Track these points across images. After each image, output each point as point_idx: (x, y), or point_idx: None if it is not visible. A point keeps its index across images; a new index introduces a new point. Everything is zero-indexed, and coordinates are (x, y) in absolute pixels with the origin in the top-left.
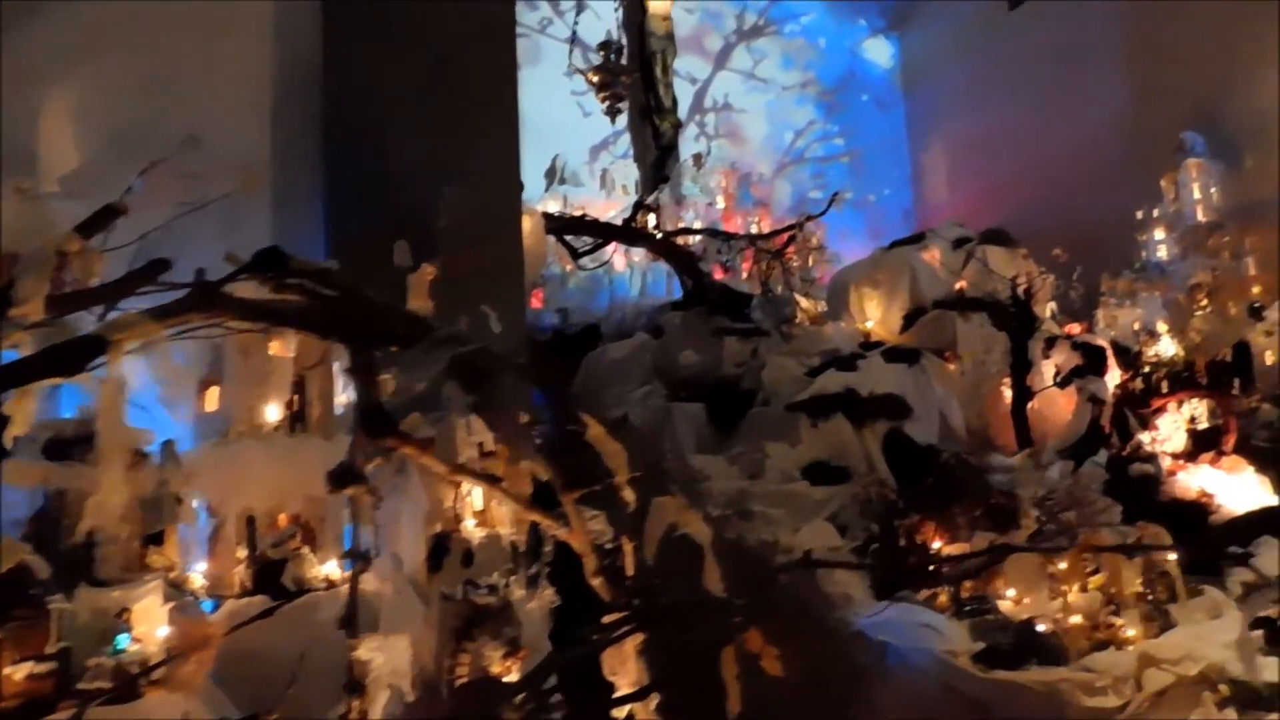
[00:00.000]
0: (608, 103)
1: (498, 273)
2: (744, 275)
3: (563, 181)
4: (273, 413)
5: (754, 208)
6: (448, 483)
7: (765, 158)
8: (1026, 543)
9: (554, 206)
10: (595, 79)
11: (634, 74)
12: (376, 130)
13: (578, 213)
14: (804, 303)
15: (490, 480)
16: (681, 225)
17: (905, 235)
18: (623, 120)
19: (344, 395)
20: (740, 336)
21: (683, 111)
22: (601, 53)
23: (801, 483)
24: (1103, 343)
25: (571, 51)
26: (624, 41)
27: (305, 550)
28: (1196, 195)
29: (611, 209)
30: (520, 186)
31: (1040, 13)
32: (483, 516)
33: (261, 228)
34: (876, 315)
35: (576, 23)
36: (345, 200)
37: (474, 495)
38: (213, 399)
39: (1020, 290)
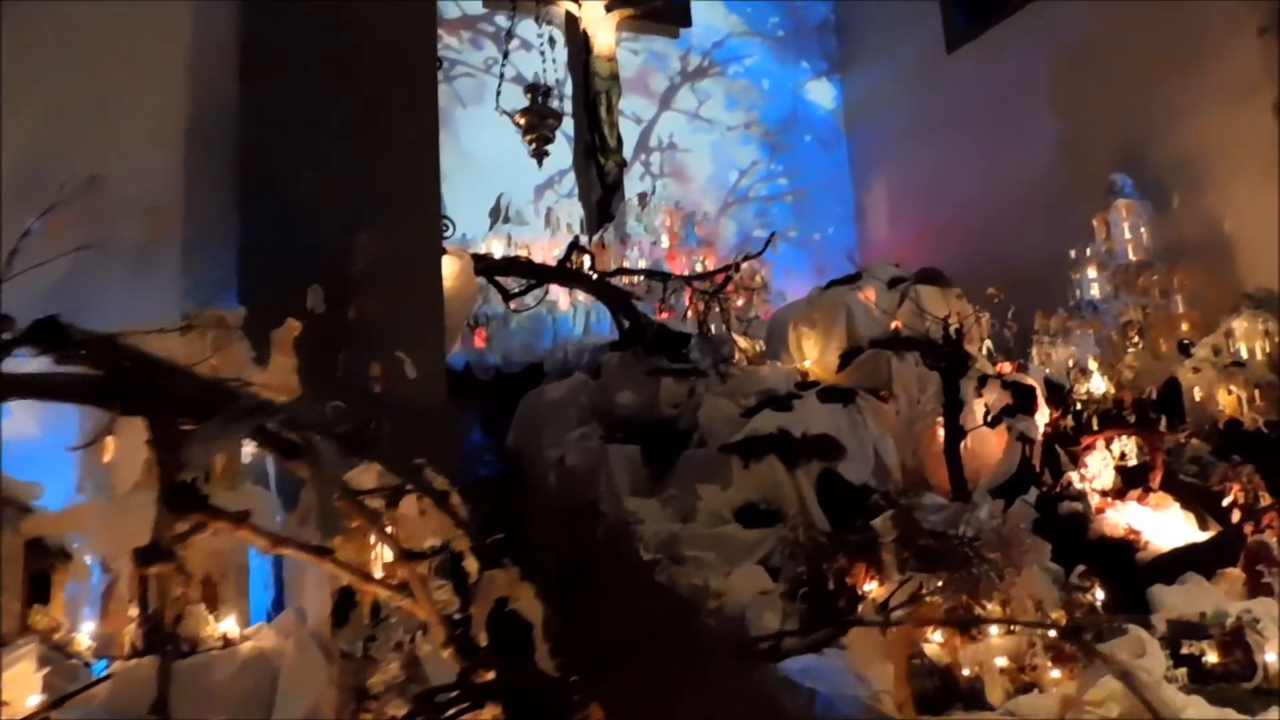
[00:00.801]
0: (534, 144)
1: (416, 318)
2: (688, 314)
3: (507, 220)
4: None
5: (698, 246)
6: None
7: (710, 196)
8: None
9: (498, 245)
10: (522, 121)
11: (561, 117)
12: (292, 173)
13: (522, 251)
14: (742, 342)
15: (318, 552)
16: (626, 263)
17: (849, 274)
18: (568, 159)
19: (250, 448)
20: (677, 377)
21: (628, 151)
22: (528, 95)
23: (733, 525)
24: (1032, 381)
25: (499, 93)
26: (550, 83)
27: (201, 607)
28: (1127, 235)
29: (556, 247)
30: (439, 231)
31: (976, 57)
32: (392, 569)
33: (172, 271)
34: (814, 354)
35: (504, 64)
36: (259, 243)
37: (381, 553)
38: (108, 449)
39: (952, 329)
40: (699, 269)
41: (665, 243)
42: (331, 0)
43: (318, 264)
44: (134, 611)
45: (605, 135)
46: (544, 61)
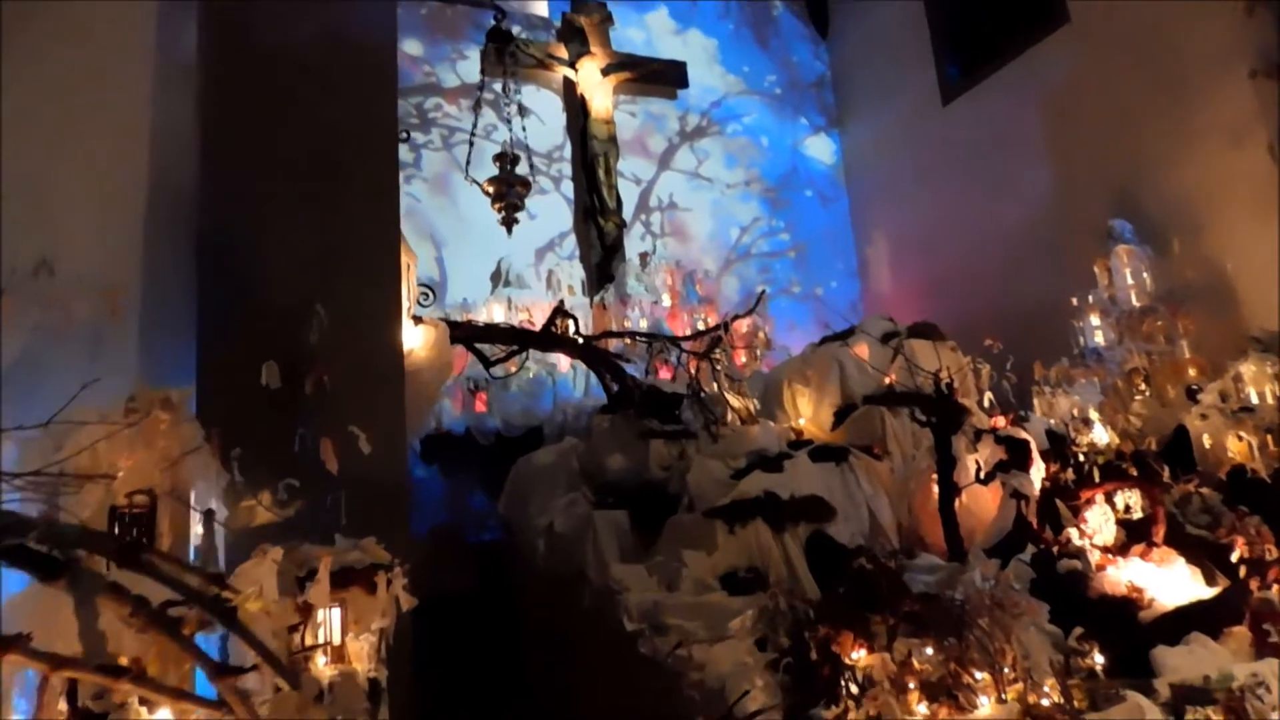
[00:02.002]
0: (503, 212)
1: (373, 392)
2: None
3: (508, 284)
4: None
5: (700, 305)
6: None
7: (711, 254)
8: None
9: (499, 309)
10: (490, 189)
11: (530, 184)
12: (250, 250)
13: (523, 314)
14: (735, 402)
15: (112, 673)
16: (627, 324)
17: (842, 330)
18: (568, 221)
19: (199, 528)
20: (667, 439)
21: (628, 211)
22: (497, 163)
23: (718, 593)
24: (1026, 436)
25: (469, 162)
26: (517, 152)
27: (134, 700)
28: (1129, 280)
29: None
30: (399, 305)
31: (970, 107)
32: (339, 652)
33: (129, 350)
34: (808, 412)
35: (474, 132)
36: (216, 321)
37: (331, 629)
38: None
39: (943, 384)
40: (700, 326)
41: (667, 302)
42: (290, 79)
43: (274, 340)
44: (63, 705)
45: (604, 197)
46: (511, 130)
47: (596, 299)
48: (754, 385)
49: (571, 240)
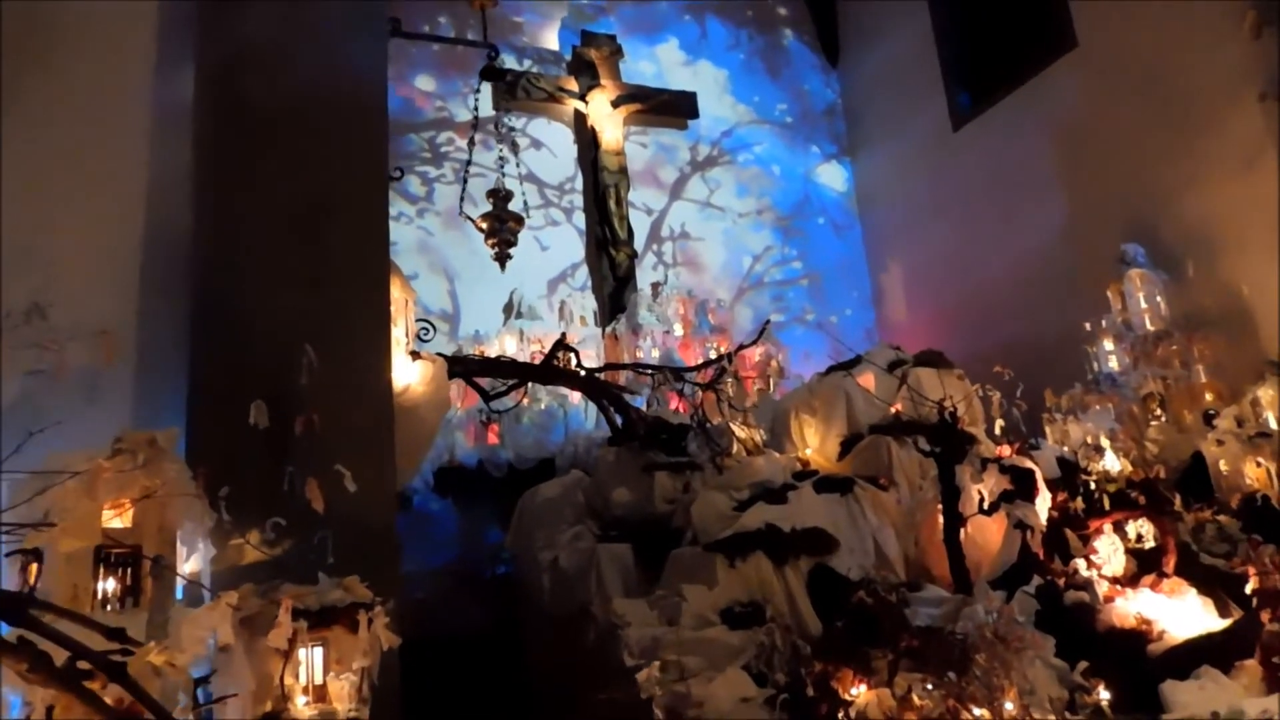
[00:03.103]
0: (495, 248)
1: (363, 432)
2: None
3: (520, 315)
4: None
5: (712, 334)
6: (277, 658)
7: (724, 284)
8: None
9: (511, 341)
10: (484, 225)
11: (523, 220)
12: (243, 292)
13: (535, 346)
14: (741, 433)
15: None
16: (639, 354)
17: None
18: (580, 253)
19: (189, 566)
20: (672, 471)
21: (640, 242)
22: (490, 199)
23: (719, 627)
24: (1031, 465)
25: (463, 198)
26: (509, 189)
27: None
28: (1143, 305)
29: (570, 340)
30: (388, 345)
31: (981, 135)
32: (320, 692)
33: (123, 394)
34: (815, 443)
35: (469, 165)
36: (208, 363)
37: (312, 669)
38: (32, 574)
39: (948, 413)
40: (713, 356)
41: (679, 332)
42: (283, 120)
43: (264, 381)
44: None
45: (615, 228)
46: (504, 166)
47: (609, 330)
48: (763, 415)
49: (584, 271)
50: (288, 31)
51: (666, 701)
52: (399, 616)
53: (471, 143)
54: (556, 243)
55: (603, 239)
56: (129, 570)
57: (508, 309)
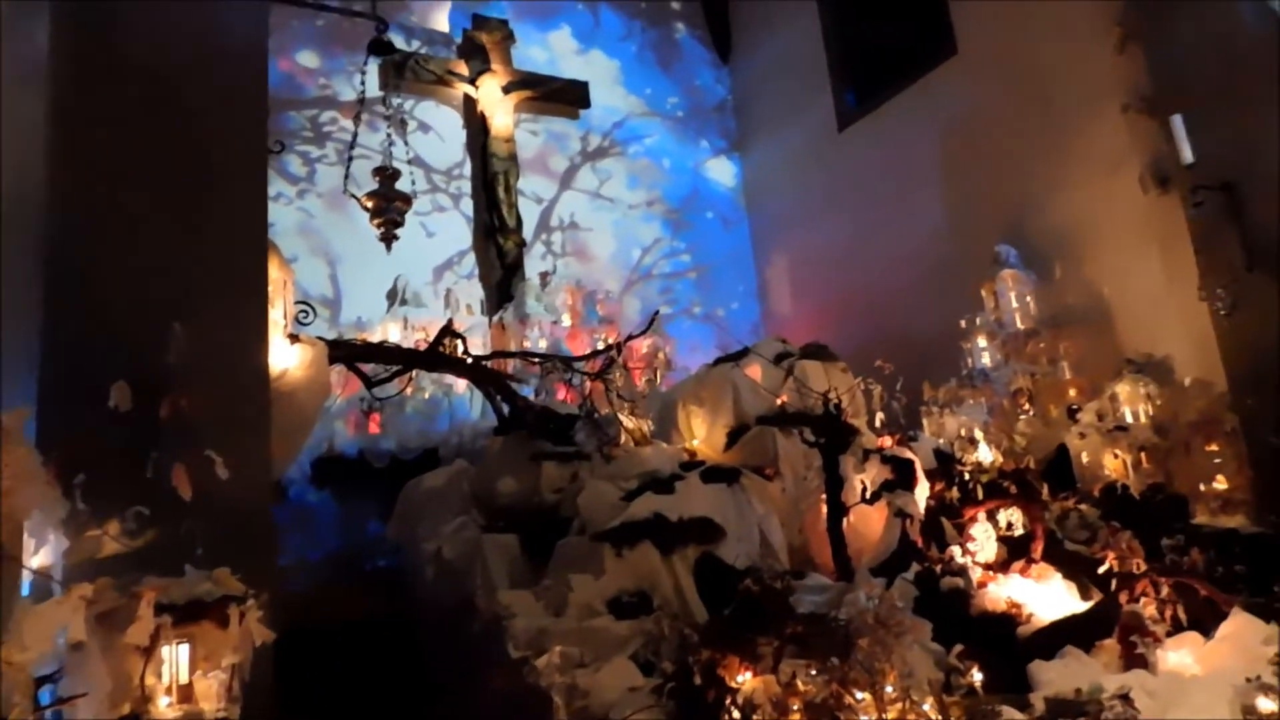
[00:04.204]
0: (382, 228)
1: (235, 416)
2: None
3: (404, 302)
4: None
5: (600, 325)
6: (137, 656)
7: (613, 275)
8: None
9: (395, 328)
10: (369, 204)
11: (410, 199)
12: (103, 263)
13: (419, 333)
14: (630, 423)
15: None
16: (526, 344)
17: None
18: (468, 240)
19: (39, 559)
20: (559, 461)
21: (529, 231)
22: (376, 177)
23: (605, 618)
24: (911, 455)
25: (347, 176)
26: (396, 167)
27: None
28: (1014, 304)
29: (457, 328)
30: (265, 324)
31: (865, 135)
32: (186, 691)
33: None
34: (702, 433)
35: (353, 147)
36: (64, 340)
37: (177, 668)
38: None
39: (832, 405)
40: (600, 346)
41: (567, 322)
42: (150, 79)
43: (127, 360)
44: None
45: (504, 215)
46: (391, 144)
47: (496, 318)
48: (650, 406)
49: (471, 259)
50: None
51: (560, 691)
52: (275, 610)
53: (358, 119)
54: (443, 229)
55: (491, 226)
56: None
57: (392, 295)
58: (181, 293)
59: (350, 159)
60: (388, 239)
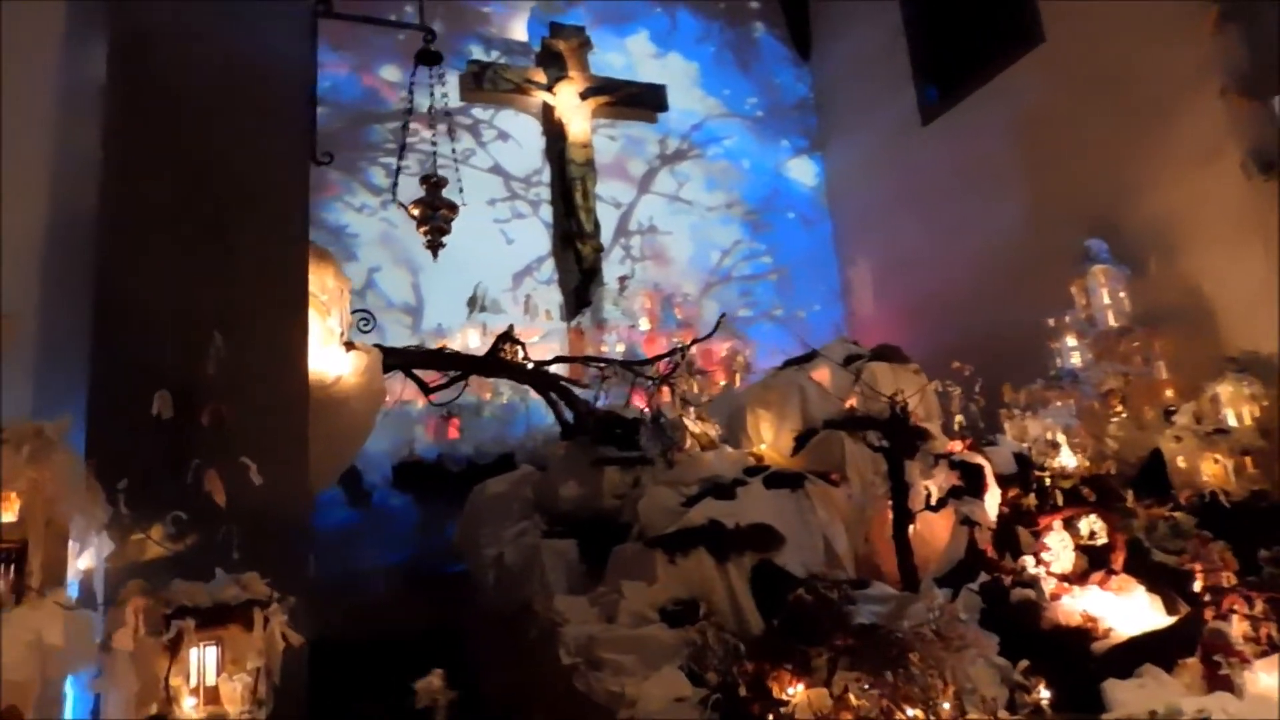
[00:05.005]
0: (428, 236)
1: (274, 425)
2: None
3: (483, 309)
4: None
5: (678, 328)
6: (163, 657)
7: (691, 278)
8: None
9: (474, 334)
10: (415, 212)
11: (456, 208)
12: (149, 278)
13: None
14: (695, 427)
15: None
16: (604, 348)
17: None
18: (547, 246)
19: (83, 563)
20: (622, 466)
21: (607, 235)
22: (423, 186)
23: (656, 625)
24: (981, 461)
25: (395, 185)
26: (441, 175)
27: None
28: (1105, 301)
29: (534, 334)
30: (305, 335)
31: (949, 129)
32: (212, 693)
33: (23, 378)
34: (770, 437)
35: (401, 157)
36: (111, 350)
37: (204, 670)
38: None
39: (898, 408)
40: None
41: (645, 326)
42: (195, 103)
43: (170, 370)
44: None
45: (582, 221)
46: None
47: (573, 324)
48: (720, 410)
49: (550, 265)
50: (205, 8)
51: (602, 700)
52: (307, 614)
53: (405, 128)
54: (522, 236)
55: (569, 232)
56: (14, 565)
57: (471, 302)
58: (223, 304)
59: (398, 169)
60: (433, 247)
